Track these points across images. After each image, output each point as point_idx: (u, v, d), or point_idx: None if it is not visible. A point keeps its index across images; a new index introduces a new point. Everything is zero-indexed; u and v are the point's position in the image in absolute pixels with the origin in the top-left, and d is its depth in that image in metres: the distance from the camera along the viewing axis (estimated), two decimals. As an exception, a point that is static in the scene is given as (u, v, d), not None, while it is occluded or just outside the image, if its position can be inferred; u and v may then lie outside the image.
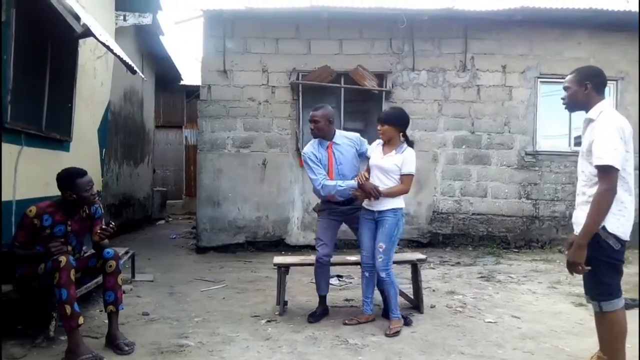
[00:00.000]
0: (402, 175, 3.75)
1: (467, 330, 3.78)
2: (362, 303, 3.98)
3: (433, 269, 6.17)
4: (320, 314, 4.04)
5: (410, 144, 3.86)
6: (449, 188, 7.76)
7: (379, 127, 3.82)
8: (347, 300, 4.60)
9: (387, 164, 3.78)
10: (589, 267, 2.60)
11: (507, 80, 7.75)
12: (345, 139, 4.09)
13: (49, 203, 3.42)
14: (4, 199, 3.49)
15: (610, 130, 2.56)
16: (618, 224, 2.60)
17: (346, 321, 3.93)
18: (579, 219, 2.70)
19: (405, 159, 3.74)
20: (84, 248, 3.71)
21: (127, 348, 3.30)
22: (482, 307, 4.44)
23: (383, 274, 3.75)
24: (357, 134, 4.21)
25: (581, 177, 2.76)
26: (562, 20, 7.57)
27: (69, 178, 3.36)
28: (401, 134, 3.82)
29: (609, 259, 2.62)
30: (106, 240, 3.52)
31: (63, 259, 3.07)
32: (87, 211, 3.53)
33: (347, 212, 4.02)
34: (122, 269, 3.66)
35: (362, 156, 4.12)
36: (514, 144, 7.77)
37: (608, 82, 8.26)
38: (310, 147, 4.07)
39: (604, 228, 2.60)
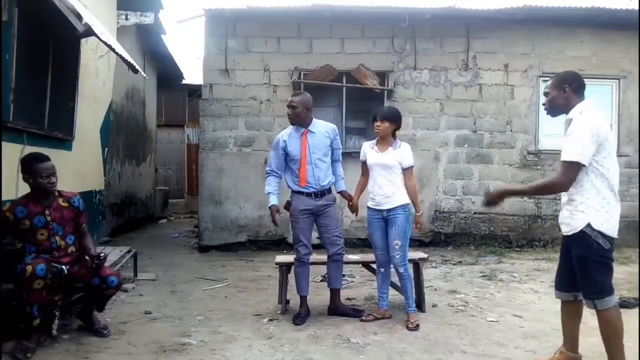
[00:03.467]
0: (404, 170, 3.89)
1: (469, 329, 3.78)
2: (378, 299, 4.07)
3: (435, 267, 6.17)
4: (304, 315, 4.00)
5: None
6: (451, 187, 7.75)
7: (378, 124, 3.91)
8: (349, 299, 4.59)
9: (389, 160, 3.88)
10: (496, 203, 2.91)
11: (509, 79, 7.74)
12: (323, 128, 4.09)
13: (22, 197, 3.45)
14: (5, 198, 3.50)
15: (582, 128, 2.64)
16: (603, 219, 2.66)
17: (363, 317, 3.98)
18: (565, 218, 2.78)
19: (403, 154, 3.89)
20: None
21: (105, 331, 3.53)
22: (484, 306, 4.44)
23: (401, 269, 3.86)
24: (334, 126, 4.21)
25: None
26: (564, 19, 7.55)
27: (29, 162, 3.38)
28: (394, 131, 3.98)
29: (600, 258, 2.67)
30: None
31: (29, 268, 3.07)
32: (66, 201, 3.52)
33: (319, 208, 4.01)
34: (121, 278, 3.74)
35: (332, 150, 4.14)
36: (516, 143, 7.76)
37: (610, 80, 8.25)
38: (284, 133, 4.11)
39: (589, 226, 2.65)
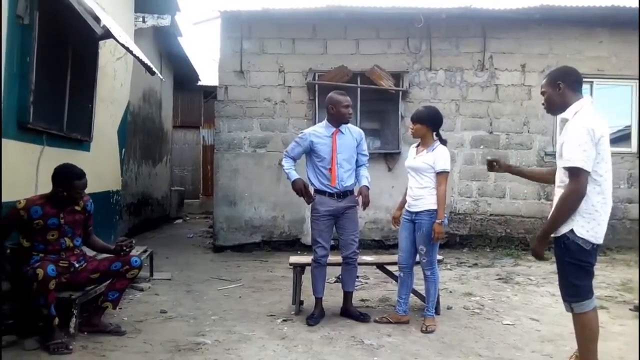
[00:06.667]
0: (436, 174, 3.76)
1: (485, 333, 3.74)
2: (396, 303, 4.00)
3: (450, 270, 6.12)
4: (318, 315, 3.99)
5: (444, 142, 3.88)
6: (467, 189, 7.69)
7: (411, 127, 3.92)
8: (362, 300, 4.58)
9: (418, 163, 3.82)
10: (549, 258, 2.75)
11: (527, 79, 7.65)
12: (349, 130, 4.11)
13: (39, 196, 3.48)
14: (26, 197, 3.55)
15: (579, 131, 2.53)
16: (588, 227, 2.59)
17: (377, 319, 3.96)
18: None
19: (436, 157, 3.76)
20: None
21: (123, 329, 3.56)
22: (500, 309, 4.39)
23: (427, 272, 3.83)
24: (361, 130, 4.23)
25: (557, 178, 2.77)
26: (582, 19, 7.45)
27: (68, 177, 3.41)
28: (434, 133, 3.87)
29: (577, 261, 2.62)
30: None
31: (40, 272, 3.09)
32: (82, 205, 3.59)
33: (339, 210, 4.00)
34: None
35: (357, 153, 4.14)
36: (534, 144, 7.67)
37: (629, 81, 8.05)
38: (312, 131, 4.10)
39: (572, 231, 2.59)
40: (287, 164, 4.06)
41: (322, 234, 4.00)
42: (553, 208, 2.63)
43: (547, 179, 3.13)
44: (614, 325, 3.88)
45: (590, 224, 2.59)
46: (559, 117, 2.77)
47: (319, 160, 4.01)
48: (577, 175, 2.52)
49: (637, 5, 6.79)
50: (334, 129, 4.03)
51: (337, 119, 4.03)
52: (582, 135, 2.52)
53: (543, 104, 2.88)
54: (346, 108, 3.99)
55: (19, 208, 3.31)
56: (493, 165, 3.15)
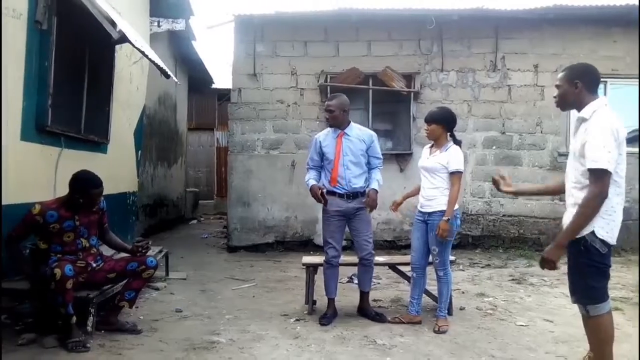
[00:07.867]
0: (449, 174, 3.78)
1: (498, 334, 3.74)
2: (409, 303, 4.01)
3: (462, 270, 6.11)
4: (331, 315, 4.02)
5: (458, 142, 3.90)
6: (479, 189, 7.66)
7: (426, 127, 3.93)
8: (375, 300, 4.60)
9: (431, 163, 3.84)
10: (558, 269, 2.61)
11: (539, 79, 7.60)
12: (359, 132, 4.13)
13: (54, 200, 3.55)
14: (44, 199, 3.63)
15: (605, 132, 2.48)
16: (607, 228, 2.55)
17: (389, 319, 3.98)
18: (568, 220, 2.65)
19: (450, 157, 3.78)
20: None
21: (139, 327, 3.63)
22: (513, 310, 4.38)
23: (440, 273, 3.84)
24: (373, 133, 4.23)
25: (570, 178, 2.70)
26: (596, 18, 7.38)
27: (86, 185, 3.47)
28: (448, 133, 3.89)
29: (596, 263, 2.57)
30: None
31: (57, 271, 3.14)
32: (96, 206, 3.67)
33: (351, 210, 4.03)
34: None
35: (369, 156, 4.15)
36: (547, 145, 7.62)
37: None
38: (321, 134, 4.21)
39: (592, 232, 2.55)
40: (308, 175, 4.16)
41: (334, 234, 4.04)
42: (575, 212, 2.54)
43: (559, 191, 3.04)
44: (629, 327, 3.84)
45: (609, 225, 2.55)
46: (576, 115, 2.71)
47: (327, 162, 4.08)
48: (602, 177, 2.46)
49: (638, 5, 6.73)
50: (339, 131, 4.09)
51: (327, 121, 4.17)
52: (607, 136, 2.47)
53: (554, 97, 2.80)
54: (325, 111, 4.13)
55: (34, 213, 3.35)
56: (499, 182, 3.14)
